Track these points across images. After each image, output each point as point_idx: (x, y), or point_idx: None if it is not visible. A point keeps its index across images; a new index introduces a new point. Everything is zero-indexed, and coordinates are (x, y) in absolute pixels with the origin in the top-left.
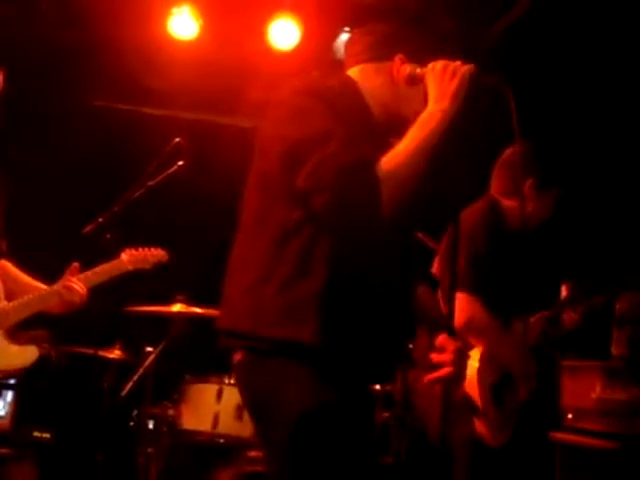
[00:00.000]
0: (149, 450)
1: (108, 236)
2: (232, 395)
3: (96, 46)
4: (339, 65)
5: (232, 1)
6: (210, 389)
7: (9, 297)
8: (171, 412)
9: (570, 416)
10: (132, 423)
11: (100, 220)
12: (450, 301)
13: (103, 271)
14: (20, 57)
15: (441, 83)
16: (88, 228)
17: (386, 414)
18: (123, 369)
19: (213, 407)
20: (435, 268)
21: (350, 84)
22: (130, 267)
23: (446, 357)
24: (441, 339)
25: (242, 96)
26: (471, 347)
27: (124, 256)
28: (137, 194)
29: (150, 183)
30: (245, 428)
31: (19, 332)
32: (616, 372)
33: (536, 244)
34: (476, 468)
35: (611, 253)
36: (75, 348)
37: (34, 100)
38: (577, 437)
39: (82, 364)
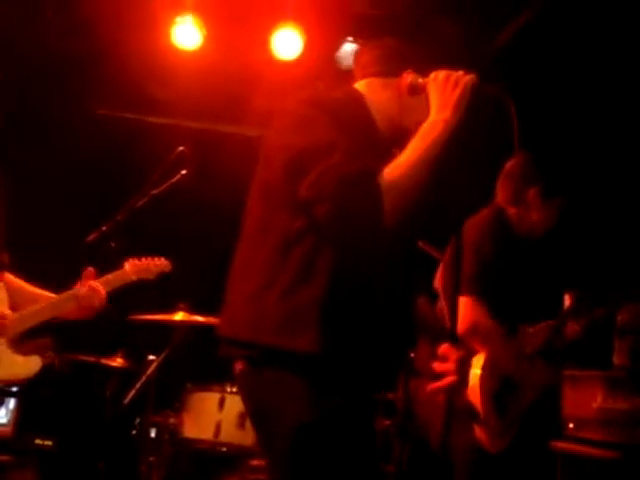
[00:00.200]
0: (151, 459)
1: (112, 245)
2: (234, 403)
3: (100, 55)
4: (342, 75)
5: (235, 11)
6: (212, 397)
7: (13, 309)
8: (173, 420)
9: (571, 425)
10: (134, 431)
11: (104, 229)
12: (453, 308)
13: (107, 282)
14: (25, 65)
15: (443, 93)
16: (92, 237)
17: (387, 422)
18: (125, 377)
19: (215, 416)
20: (437, 282)
21: (356, 96)
22: (133, 277)
23: (449, 366)
24: (443, 348)
25: (245, 105)
26: (474, 353)
27: (127, 266)
28: (141, 203)
29: (154, 192)
30: (247, 437)
31: (24, 341)
32: (617, 382)
33: (541, 252)
34: (477, 476)
35: (613, 264)
36: (78, 356)
37: (38, 108)
38: (578, 446)
39: (85, 372)
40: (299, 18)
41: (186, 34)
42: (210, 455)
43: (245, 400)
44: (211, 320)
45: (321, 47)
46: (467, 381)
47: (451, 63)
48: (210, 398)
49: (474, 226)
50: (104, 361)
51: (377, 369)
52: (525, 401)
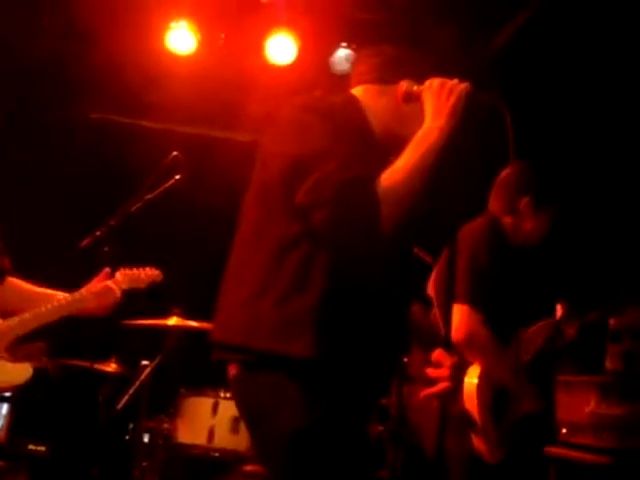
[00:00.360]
0: (144, 464)
1: (106, 249)
2: (228, 409)
3: (94, 60)
4: (336, 80)
5: (230, 16)
6: (206, 403)
7: (18, 313)
8: (167, 426)
9: (564, 431)
10: (128, 436)
11: (97, 233)
12: (446, 315)
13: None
14: (19, 69)
15: (438, 101)
16: (85, 241)
17: (381, 428)
18: (119, 382)
19: (209, 421)
20: (430, 288)
21: (353, 102)
22: (124, 286)
23: (443, 372)
24: (437, 354)
25: (239, 110)
26: (468, 363)
27: (118, 276)
28: (134, 207)
29: (147, 196)
30: (241, 442)
31: (17, 346)
32: (610, 387)
33: (534, 262)
34: None
35: (604, 271)
36: (71, 361)
37: (32, 112)
38: (571, 452)
39: (78, 377)
40: (293, 23)
41: (181, 39)
42: (204, 460)
43: (239, 405)
44: (205, 325)
45: (315, 52)
46: (461, 387)
47: (448, 67)
48: (204, 403)
49: (469, 234)
50: (97, 366)
51: (372, 374)
52: (520, 412)
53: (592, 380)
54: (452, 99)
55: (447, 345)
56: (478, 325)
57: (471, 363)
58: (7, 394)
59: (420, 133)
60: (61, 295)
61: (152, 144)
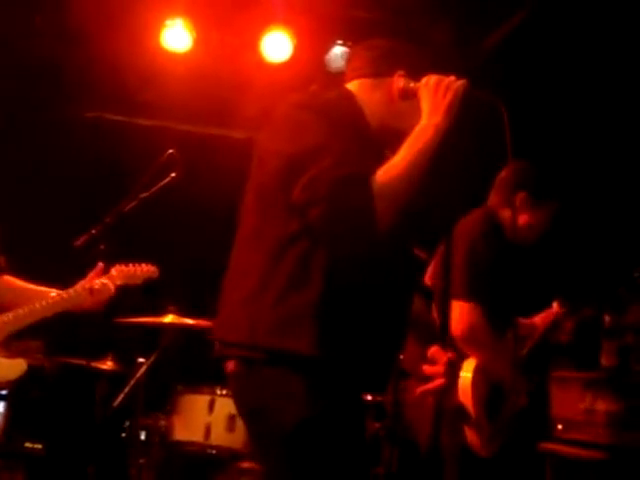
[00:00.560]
0: (141, 461)
1: (101, 248)
2: (224, 406)
3: (90, 58)
4: (331, 77)
5: (225, 14)
6: (202, 400)
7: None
8: (163, 423)
9: (559, 427)
10: (124, 434)
11: (93, 232)
12: (443, 310)
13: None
14: (14, 69)
15: (434, 98)
16: (80, 240)
17: (377, 425)
18: (115, 380)
19: (205, 418)
20: (427, 278)
21: (348, 97)
22: (119, 282)
23: (438, 369)
24: (433, 350)
25: (235, 108)
26: (464, 357)
27: (113, 272)
28: (130, 206)
29: (143, 195)
30: (237, 439)
31: (13, 342)
32: (605, 383)
33: (531, 257)
34: (466, 477)
35: (599, 267)
36: (68, 359)
37: (27, 112)
38: (566, 448)
39: (74, 375)
40: (289, 21)
41: (176, 37)
42: (200, 457)
43: (237, 400)
44: (201, 323)
45: (311, 50)
46: (456, 384)
47: (442, 63)
48: (200, 400)
49: (466, 227)
50: (94, 364)
51: (372, 371)
52: (515, 407)
53: (587, 376)
54: (449, 96)
55: (443, 339)
56: (478, 321)
57: (467, 356)
58: (3, 392)
59: (417, 130)
60: (55, 292)
61: (148, 142)
